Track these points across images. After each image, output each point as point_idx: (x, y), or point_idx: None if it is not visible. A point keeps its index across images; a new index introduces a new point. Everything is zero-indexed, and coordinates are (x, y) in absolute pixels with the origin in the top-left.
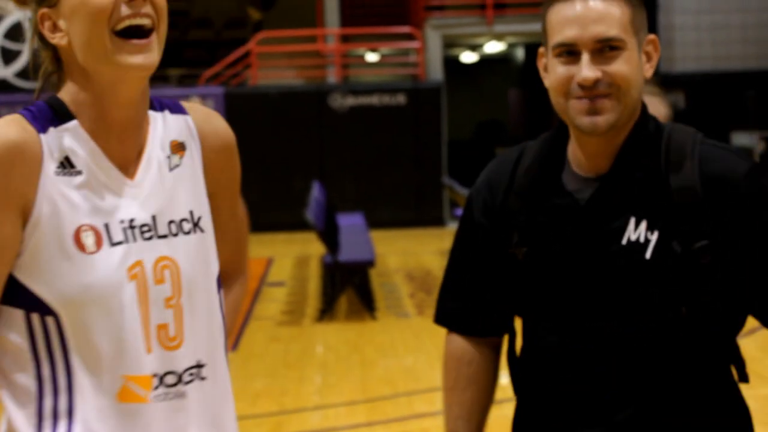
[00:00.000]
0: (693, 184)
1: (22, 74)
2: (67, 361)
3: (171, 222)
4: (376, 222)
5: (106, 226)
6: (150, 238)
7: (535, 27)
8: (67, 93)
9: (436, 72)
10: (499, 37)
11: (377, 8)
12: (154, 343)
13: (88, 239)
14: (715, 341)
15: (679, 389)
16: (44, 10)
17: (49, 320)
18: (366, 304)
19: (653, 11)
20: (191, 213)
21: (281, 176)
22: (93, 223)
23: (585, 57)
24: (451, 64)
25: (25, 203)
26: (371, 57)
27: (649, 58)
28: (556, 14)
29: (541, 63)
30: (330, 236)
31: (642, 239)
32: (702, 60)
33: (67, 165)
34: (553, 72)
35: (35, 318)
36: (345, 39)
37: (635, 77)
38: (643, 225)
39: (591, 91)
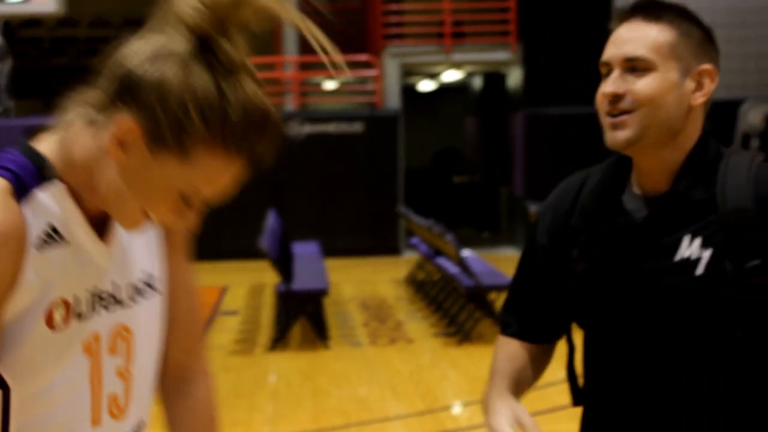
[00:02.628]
0: (746, 204)
1: None
2: None
3: (130, 286)
4: (331, 250)
5: (76, 298)
6: (108, 307)
7: (493, 56)
8: (62, 151)
9: (393, 100)
10: (457, 65)
11: (335, 36)
12: (104, 415)
13: (58, 315)
14: None
15: (736, 413)
16: (136, 127)
17: None
18: (319, 333)
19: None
20: (150, 275)
21: (236, 203)
22: (65, 296)
23: (614, 73)
24: (409, 92)
25: (8, 286)
26: (329, 85)
27: (700, 86)
28: (610, 38)
29: None
30: (284, 265)
31: (694, 256)
32: None
33: (51, 237)
34: (598, 90)
35: None
36: (303, 66)
37: (664, 99)
38: (697, 242)
39: (614, 106)
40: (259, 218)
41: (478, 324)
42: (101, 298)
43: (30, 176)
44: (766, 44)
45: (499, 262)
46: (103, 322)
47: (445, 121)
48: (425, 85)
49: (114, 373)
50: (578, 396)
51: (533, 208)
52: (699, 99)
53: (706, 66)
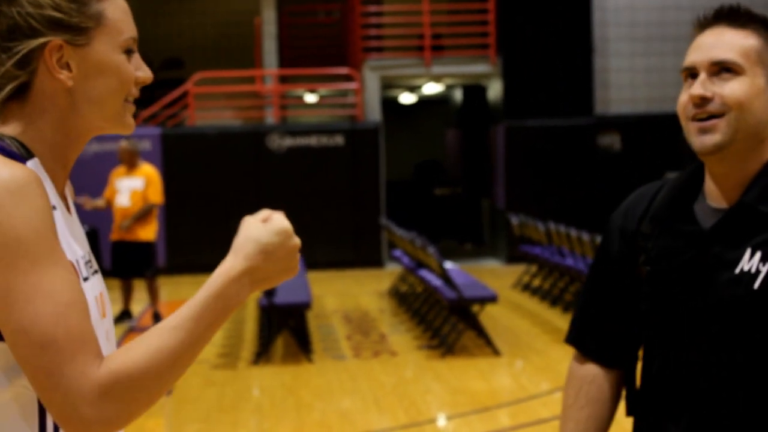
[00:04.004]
0: None
1: None
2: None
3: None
4: (314, 263)
5: (77, 262)
6: (96, 273)
7: (473, 68)
8: (26, 128)
9: (374, 113)
10: (437, 78)
11: (316, 49)
12: None
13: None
14: None
15: None
16: (61, 41)
17: None
18: (302, 347)
19: (589, 54)
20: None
21: (218, 217)
22: (73, 258)
23: (701, 77)
24: (390, 105)
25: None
26: (309, 98)
27: None
28: (692, 44)
29: None
30: None
31: (754, 270)
32: (637, 102)
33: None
34: (680, 97)
35: None
36: (283, 80)
37: (752, 103)
38: (758, 256)
39: (702, 109)
40: None
41: (461, 336)
42: (89, 264)
43: (14, 155)
44: None
45: (481, 274)
46: (95, 286)
47: (425, 133)
48: (406, 98)
49: (105, 337)
50: (633, 404)
51: (515, 220)
52: None
53: None
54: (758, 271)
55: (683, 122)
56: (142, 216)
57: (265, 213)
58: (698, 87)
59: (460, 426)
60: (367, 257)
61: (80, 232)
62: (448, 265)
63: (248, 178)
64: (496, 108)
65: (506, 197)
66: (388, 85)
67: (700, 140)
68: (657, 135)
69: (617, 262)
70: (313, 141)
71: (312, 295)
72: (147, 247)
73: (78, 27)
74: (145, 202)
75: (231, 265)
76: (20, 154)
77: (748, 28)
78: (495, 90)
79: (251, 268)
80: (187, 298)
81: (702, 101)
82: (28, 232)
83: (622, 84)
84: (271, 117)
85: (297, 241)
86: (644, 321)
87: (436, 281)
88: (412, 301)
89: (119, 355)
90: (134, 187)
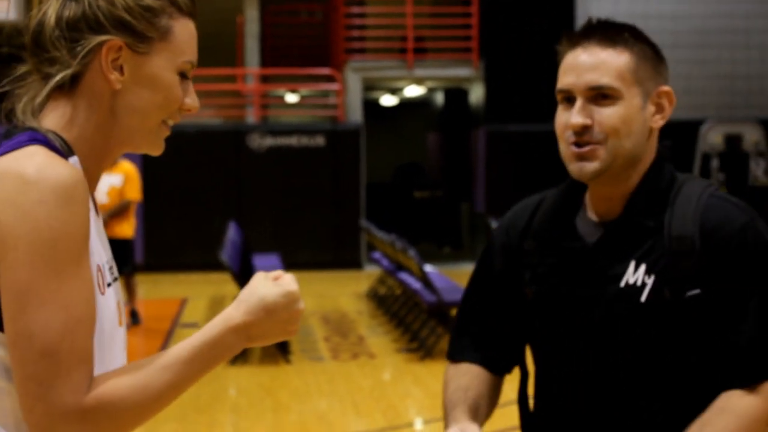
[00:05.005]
0: (691, 234)
1: None
2: None
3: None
4: (293, 264)
5: (102, 267)
6: (116, 280)
7: (455, 72)
8: (69, 124)
9: (355, 114)
10: (419, 81)
11: (298, 49)
12: None
13: (100, 279)
14: (715, 390)
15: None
16: (122, 42)
17: None
18: (280, 348)
19: None
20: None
21: (197, 216)
22: (99, 263)
23: (578, 103)
24: (371, 106)
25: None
26: (291, 98)
27: (660, 109)
28: (564, 62)
29: None
30: (245, 278)
31: (639, 282)
32: None
33: None
34: (557, 118)
35: None
36: (265, 79)
37: (630, 127)
38: (642, 269)
39: (581, 137)
40: (219, 230)
41: (440, 340)
42: (111, 270)
43: (58, 151)
44: (727, 66)
45: (460, 278)
46: (115, 293)
47: (406, 136)
48: (387, 100)
49: (123, 346)
50: (527, 423)
51: (494, 224)
52: (659, 122)
53: (665, 88)
54: (644, 284)
55: (561, 144)
56: (117, 213)
57: (277, 273)
58: (577, 116)
59: (438, 430)
60: (347, 259)
61: (104, 236)
62: (428, 268)
63: (228, 177)
64: (477, 112)
65: (486, 201)
66: (370, 86)
67: (579, 167)
68: None
69: (499, 278)
70: (293, 141)
71: None
72: (125, 243)
73: (142, 34)
74: (123, 199)
75: (232, 315)
76: (63, 150)
77: (619, 44)
78: (477, 94)
79: (251, 322)
80: (165, 297)
81: (582, 130)
82: (63, 237)
83: None
84: (251, 116)
85: (302, 306)
86: (533, 339)
87: (415, 284)
88: (391, 303)
89: (106, 381)
90: (113, 183)
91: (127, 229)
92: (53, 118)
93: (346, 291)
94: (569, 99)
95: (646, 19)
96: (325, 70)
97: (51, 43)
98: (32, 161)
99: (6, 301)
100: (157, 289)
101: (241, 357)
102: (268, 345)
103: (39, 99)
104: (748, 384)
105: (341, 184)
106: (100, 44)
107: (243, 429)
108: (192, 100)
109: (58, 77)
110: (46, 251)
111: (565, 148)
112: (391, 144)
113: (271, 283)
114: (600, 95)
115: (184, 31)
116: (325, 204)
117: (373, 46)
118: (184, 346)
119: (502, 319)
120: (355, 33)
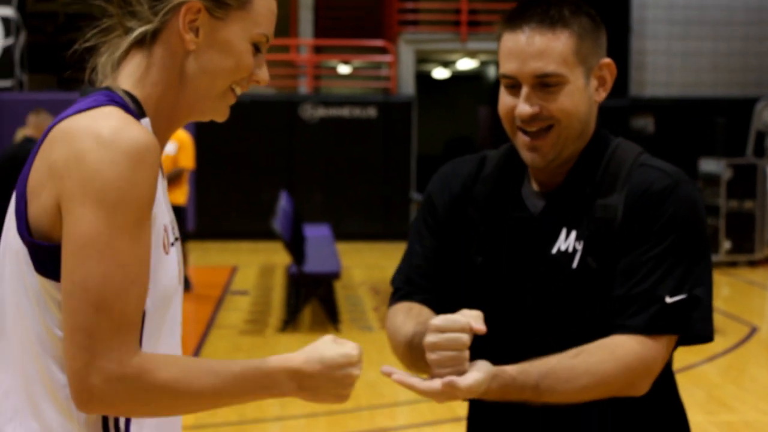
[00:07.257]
0: (616, 202)
1: None
2: None
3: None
4: (342, 234)
5: (167, 228)
6: (177, 240)
7: None
8: (142, 80)
9: (407, 86)
10: (471, 54)
11: (351, 21)
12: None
13: (165, 239)
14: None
15: (616, 403)
16: (201, 5)
17: None
18: (330, 317)
19: (626, 35)
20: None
21: (249, 184)
22: (166, 222)
23: (524, 91)
24: (423, 79)
25: (153, 198)
26: (343, 69)
27: (602, 82)
28: (504, 44)
29: None
30: (296, 247)
31: (570, 249)
32: (672, 86)
33: None
34: (501, 99)
35: None
36: (318, 50)
37: (578, 108)
38: (573, 236)
39: (530, 124)
40: (271, 200)
41: None
42: (174, 230)
43: (131, 112)
44: None
45: None
46: (177, 253)
47: (458, 109)
48: (439, 73)
49: (180, 303)
50: None
51: None
52: (602, 95)
53: (605, 60)
54: (575, 251)
55: (508, 127)
56: (171, 180)
57: (344, 340)
58: (525, 105)
59: None
60: (396, 230)
61: (168, 199)
62: None
63: (280, 147)
64: None
65: None
66: (423, 59)
67: (531, 157)
68: (690, 119)
69: (440, 237)
70: (345, 112)
71: (341, 265)
72: (177, 210)
73: (222, 0)
74: (176, 166)
75: (291, 357)
76: (136, 112)
77: (559, 24)
78: None
79: (306, 371)
80: (218, 265)
81: (531, 118)
82: (129, 198)
83: (658, 66)
84: (304, 86)
85: (358, 372)
86: (476, 303)
87: None
88: None
89: (156, 358)
90: (167, 151)
91: (180, 196)
92: (128, 74)
93: (395, 262)
94: (514, 85)
95: None
96: (378, 42)
97: None
98: (108, 122)
99: (67, 252)
100: (207, 257)
101: (291, 324)
102: (318, 401)
103: (118, 53)
104: (637, 331)
105: (392, 156)
106: (180, 4)
107: (290, 398)
108: (263, 73)
109: (138, 31)
110: (112, 211)
111: (513, 133)
112: (443, 117)
113: (333, 343)
114: (546, 82)
115: (264, 5)
116: (376, 175)
117: (427, 18)
118: (238, 362)
119: (445, 278)
120: (409, 5)
